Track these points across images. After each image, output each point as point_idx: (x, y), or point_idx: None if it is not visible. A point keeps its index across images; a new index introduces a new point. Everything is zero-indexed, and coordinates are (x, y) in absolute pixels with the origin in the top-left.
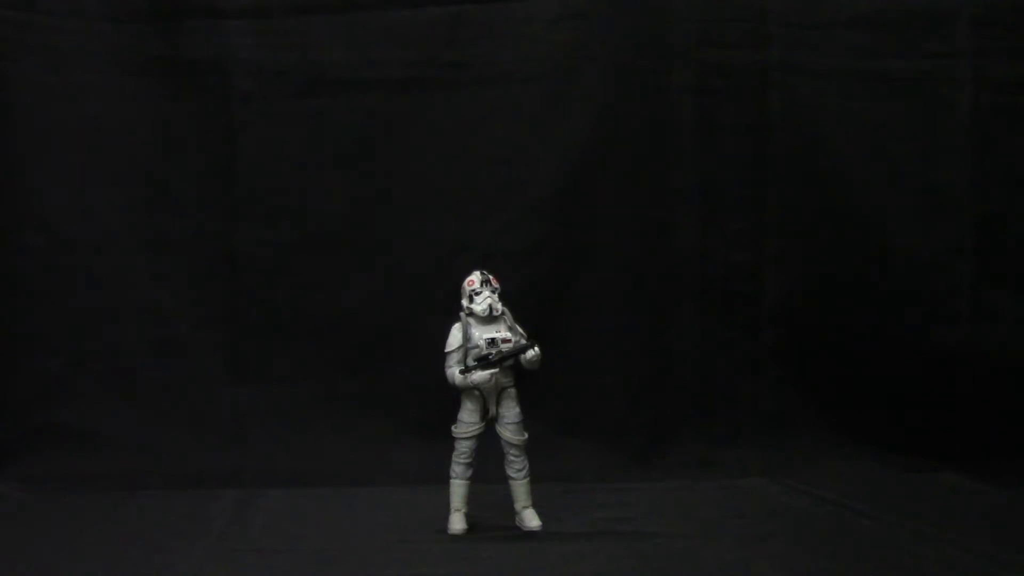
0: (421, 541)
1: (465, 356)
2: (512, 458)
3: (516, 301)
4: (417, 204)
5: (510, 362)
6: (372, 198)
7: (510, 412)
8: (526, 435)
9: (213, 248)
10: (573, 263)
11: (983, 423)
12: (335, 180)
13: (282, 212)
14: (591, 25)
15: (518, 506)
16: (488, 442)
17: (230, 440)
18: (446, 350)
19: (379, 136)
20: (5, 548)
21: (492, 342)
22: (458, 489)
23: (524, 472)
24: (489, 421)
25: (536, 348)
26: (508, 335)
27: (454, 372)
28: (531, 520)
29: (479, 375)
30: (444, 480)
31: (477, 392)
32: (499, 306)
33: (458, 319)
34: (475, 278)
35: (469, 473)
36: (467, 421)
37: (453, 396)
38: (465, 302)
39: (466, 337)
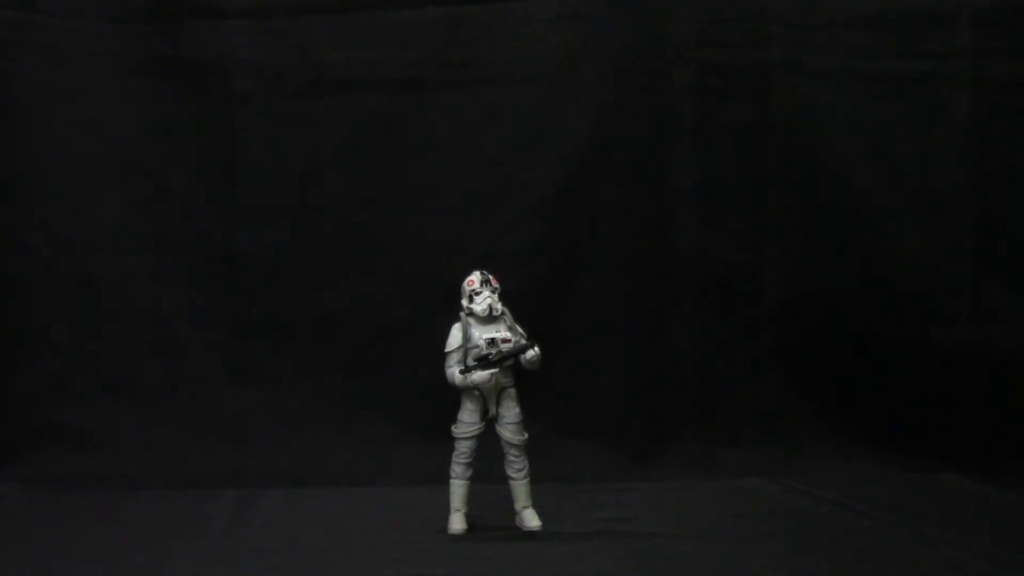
0: (421, 541)
1: (465, 356)
2: (512, 458)
3: (516, 301)
4: (417, 204)
5: (510, 362)
6: (372, 198)
7: (510, 412)
8: (526, 435)
9: (213, 248)
10: (573, 263)
11: (983, 423)
12: (335, 180)
13: (282, 212)
14: (591, 25)
15: (518, 506)
16: (488, 442)
17: (230, 440)
18: (446, 350)
19: (379, 136)
20: (5, 548)
21: (492, 342)
22: (458, 489)
23: (524, 472)
24: (489, 421)
25: (536, 348)
26: (508, 335)
27: (454, 372)
28: (531, 520)
29: (479, 375)
30: (444, 480)
31: (477, 392)
32: (499, 306)
33: (458, 319)
34: (475, 278)
35: (469, 473)
36: (467, 421)
37: (453, 396)
38: (465, 302)
39: (466, 337)
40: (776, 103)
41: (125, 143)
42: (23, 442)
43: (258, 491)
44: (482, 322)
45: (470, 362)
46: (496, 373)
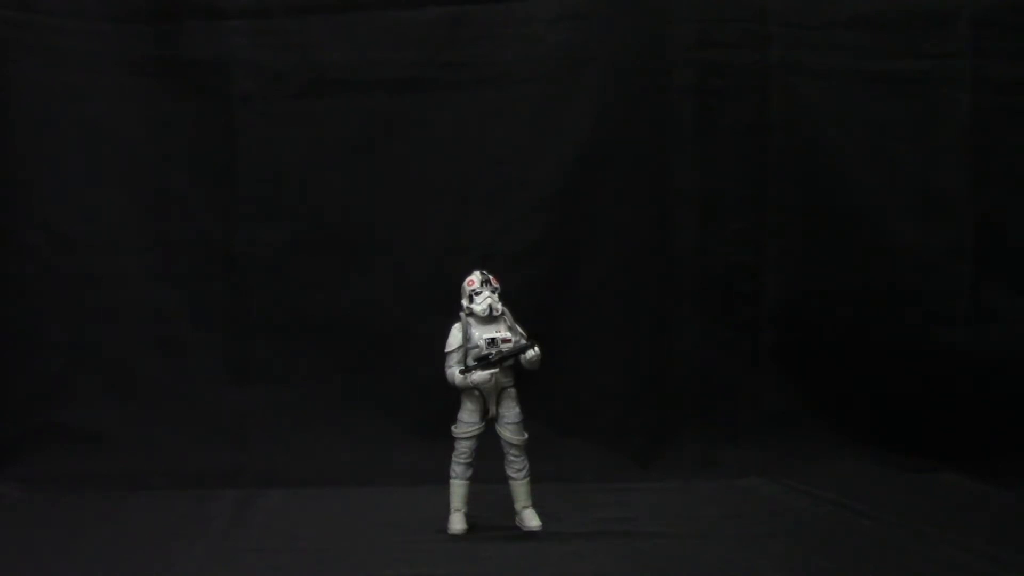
0: (421, 541)
1: (465, 356)
2: (512, 458)
3: (516, 301)
4: (417, 204)
5: (510, 362)
6: (372, 198)
7: (510, 412)
8: (526, 435)
9: (213, 248)
10: (573, 263)
11: (983, 423)
12: (335, 180)
13: (282, 212)
14: (591, 25)
15: (518, 506)
16: (488, 442)
17: (230, 440)
18: (446, 350)
19: (379, 136)
20: (5, 548)
21: (492, 342)
22: (458, 489)
23: (524, 472)
24: (489, 421)
25: (536, 348)
26: (508, 335)
27: (454, 372)
28: (531, 520)
29: (479, 375)
30: (444, 480)
31: (477, 392)
32: (499, 306)
33: (458, 319)
34: (475, 278)
35: (469, 473)
36: (467, 421)
37: (453, 396)
38: (465, 302)
39: (466, 337)
40: (776, 103)
41: (125, 143)
42: (23, 442)
43: (258, 491)
44: (482, 322)
45: (470, 362)
46: (496, 373)
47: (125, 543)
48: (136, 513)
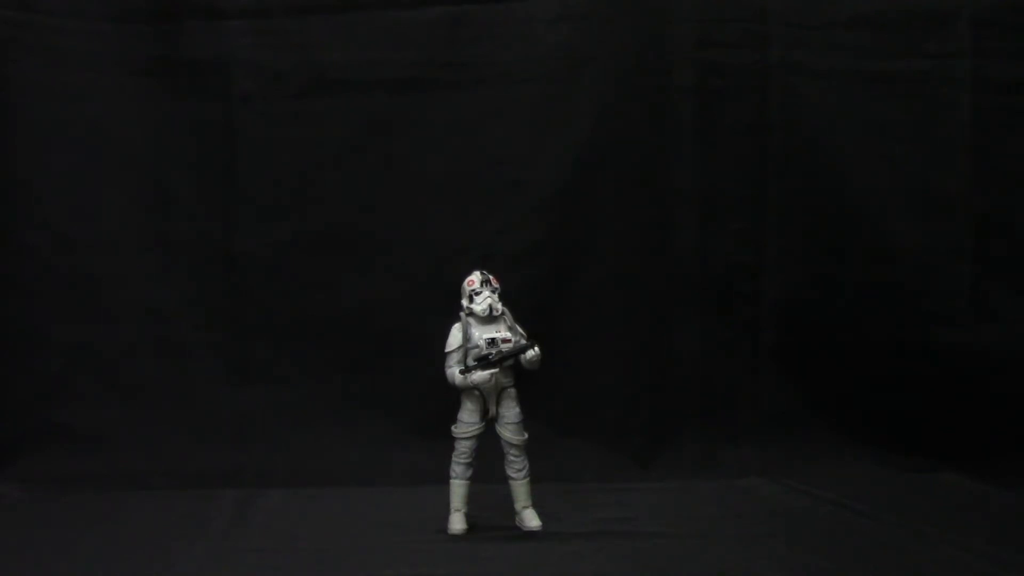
0: (421, 541)
1: (465, 356)
2: (512, 458)
3: (516, 301)
4: (417, 204)
5: (510, 362)
6: (372, 198)
7: (510, 412)
8: (526, 435)
9: (213, 248)
10: (573, 263)
11: (983, 423)
12: (335, 180)
13: (282, 212)
14: (591, 25)
15: (518, 506)
16: (488, 442)
17: (230, 440)
18: (446, 350)
19: (379, 136)
20: (5, 548)
21: (492, 342)
22: (458, 489)
23: (524, 472)
24: (489, 421)
25: (536, 348)
26: (508, 335)
27: (454, 372)
28: (531, 520)
29: (479, 375)
30: (444, 480)
31: (477, 392)
32: (499, 306)
33: (458, 319)
34: (475, 278)
35: (469, 473)
36: (467, 421)
37: (453, 396)
38: (465, 302)
39: (466, 337)
40: (776, 103)
41: (125, 143)
42: (23, 442)
43: (258, 491)
44: (482, 322)
45: (470, 362)
46: (496, 373)
47: (125, 543)
48: (136, 513)
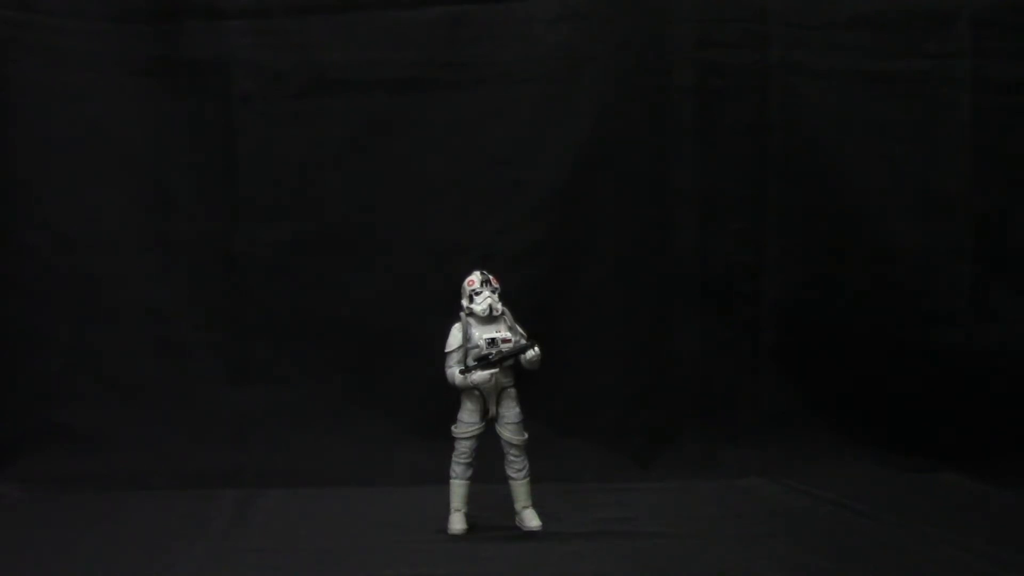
0: (421, 541)
1: (465, 356)
2: (512, 458)
3: (516, 301)
4: (417, 204)
5: (510, 362)
6: (372, 198)
7: (510, 412)
8: (526, 435)
9: (213, 248)
10: (573, 263)
11: (983, 423)
12: (335, 180)
13: (282, 212)
14: (591, 25)
15: (518, 506)
16: (488, 442)
17: (230, 440)
18: (446, 350)
19: (379, 136)
20: (5, 548)
21: (492, 342)
22: (458, 489)
23: (524, 472)
24: (489, 421)
25: (536, 348)
26: (508, 335)
27: (454, 372)
28: (531, 520)
29: (479, 375)
30: (444, 480)
31: (477, 392)
32: (499, 306)
33: (458, 319)
34: (475, 278)
35: (469, 473)
36: (467, 421)
37: (453, 396)
38: (465, 302)
39: (466, 337)
40: (776, 103)
41: (125, 143)
42: (23, 442)
43: (258, 491)
44: (482, 322)
45: (470, 362)
46: (496, 373)
47: (125, 543)
48: (136, 513)
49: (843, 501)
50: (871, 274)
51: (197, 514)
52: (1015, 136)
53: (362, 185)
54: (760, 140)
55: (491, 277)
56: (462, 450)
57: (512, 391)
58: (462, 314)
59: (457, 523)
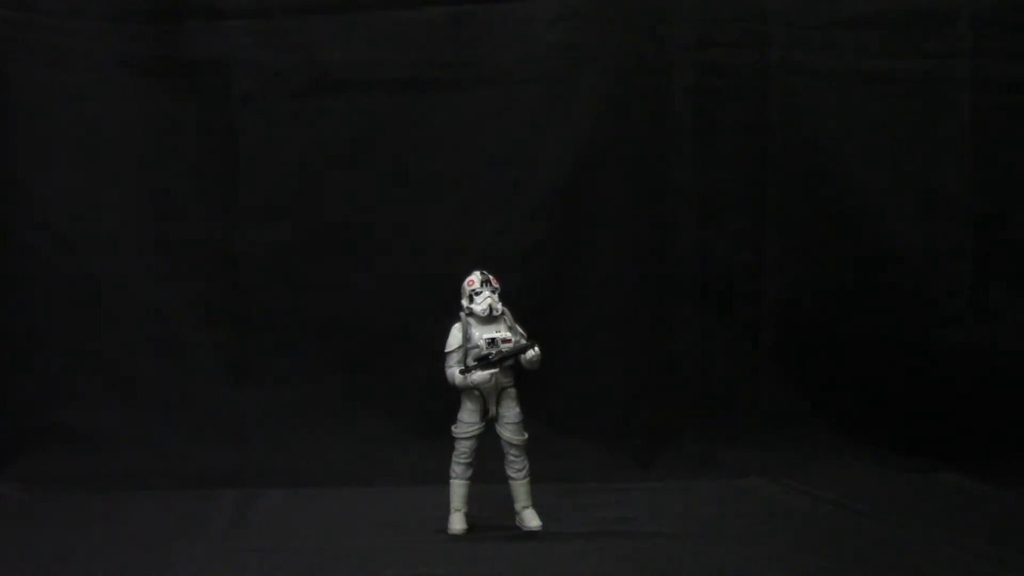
0: (421, 541)
1: (465, 356)
2: (512, 458)
3: (516, 301)
4: (417, 204)
5: (510, 362)
6: (372, 198)
7: (510, 412)
8: (526, 435)
9: (213, 248)
10: (573, 263)
11: (983, 423)
12: (335, 180)
13: (282, 212)
14: (591, 25)
15: (518, 506)
16: (488, 442)
17: (230, 440)
18: (446, 350)
19: (379, 136)
20: (5, 548)
21: (492, 342)
22: (458, 489)
23: (524, 472)
24: (489, 421)
25: (536, 348)
26: (508, 335)
27: (454, 372)
28: (531, 520)
29: (479, 375)
30: (444, 480)
31: (477, 392)
32: (499, 306)
33: (458, 319)
34: (475, 278)
35: (469, 473)
36: (467, 421)
37: (453, 396)
38: (465, 302)
39: (466, 337)
40: (776, 103)
41: (125, 143)
42: (23, 442)
43: (258, 491)
44: (482, 322)
45: (470, 362)
46: (496, 373)
47: (125, 543)
48: (136, 513)
49: (843, 501)
50: (871, 274)
51: (197, 514)
52: (1015, 136)
53: (362, 185)
54: (760, 140)
55: (491, 277)
56: (462, 450)
57: (512, 391)
58: (462, 314)
59: (457, 523)
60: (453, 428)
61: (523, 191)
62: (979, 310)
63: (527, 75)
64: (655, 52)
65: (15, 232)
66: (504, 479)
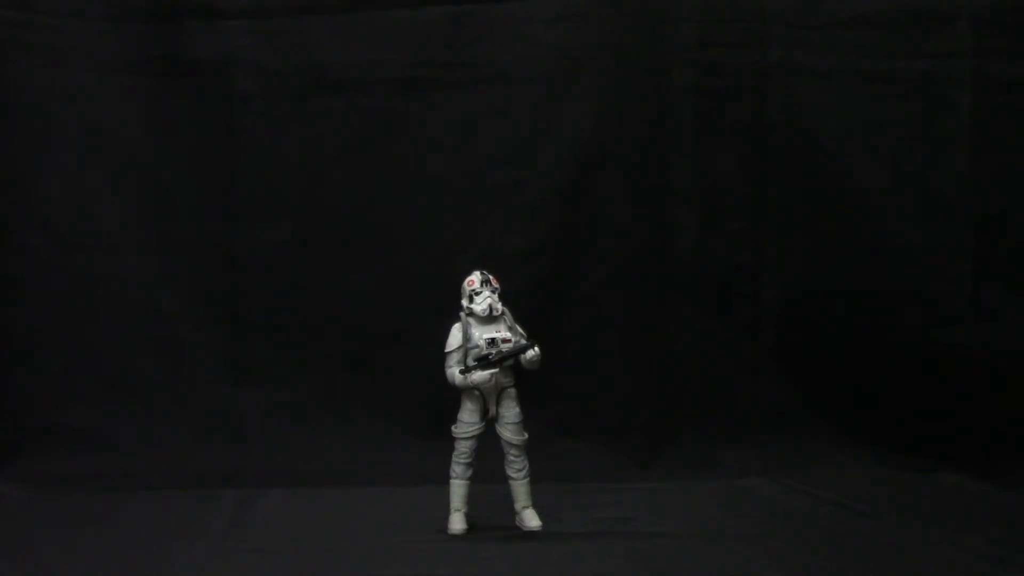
0: (421, 541)
1: (465, 356)
2: (512, 458)
3: (516, 301)
4: (417, 204)
5: (510, 362)
6: (372, 198)
7: (510, 412)
8: (526, 435)
9: (213, 248)
10: (573, 263)
11: (983, 423)
12: (335, 180)
13: (282, 212)
14: (591, 25)
15: (518, 506)
16: (488, 442)
17: (230, 440)
18: (446, 350)
19: (379, 136)
20: (5, 548)
21: (492, 342)
22: (458, 489)
23: (524, 472)
24: (489, 421)
25: (536, 348)
26: (508, 335)
27: (454, 372)
28: (531, 520)
29: (479, 375)
30: (444, 480)
31: (477, 392)
32: (499, 306)
33: (458, 319)
34: (475, 278)
35: (469, 473)
36: (467, 421)
37: (453, 396)
38: (465, 302)
39: (466, 337)
40: (776, 103)
41: (125, 143)
42: (23, 442)
43: (258, 491)
44: (482, 322)
45: (470, 362)
46: (496, 373)
47: (125, 543)
48: (136, 513)
49: (843, 501)
50: (871, 274)
51: (197, 514)
52: (1015, 136)
53: (362, 185)
54: (760, 140)
55: (491, 277)
56: (462, 450)
57: (512, 391)
58: (462, 314)
59: (457, 523)
60: (453, 428)
61: (523, 191)
62: (979, 310)
63: (527, 75)
64: (655, 52)
65: (15, 232)
66: (504, 479)
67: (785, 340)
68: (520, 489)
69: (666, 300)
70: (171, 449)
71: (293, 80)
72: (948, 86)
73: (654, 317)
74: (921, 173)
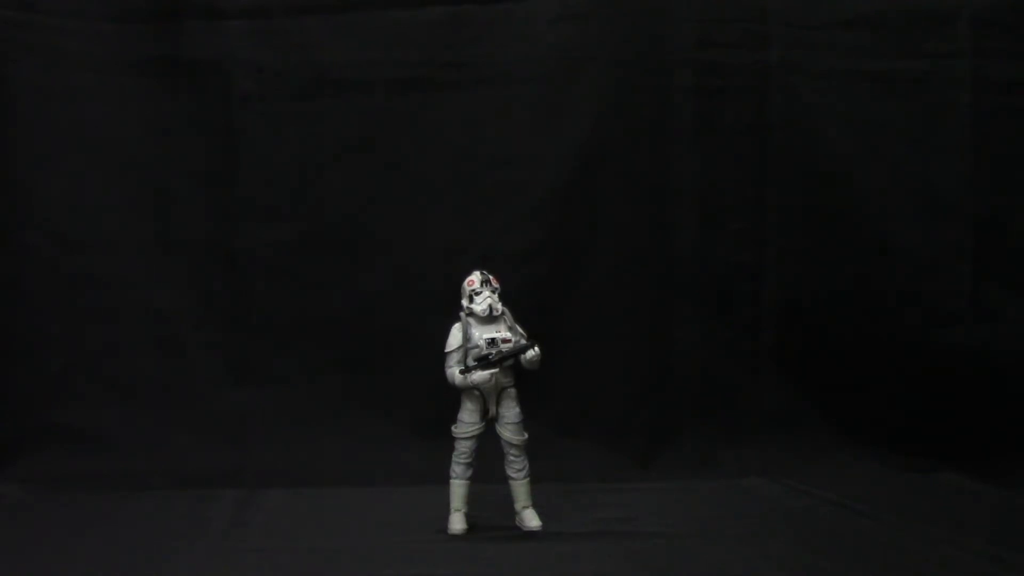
0: (421, 541)
1: (465, 356)
2: (512, 458)
3: (516, 301)
4: (417, 204)
5: (510, 362)
6: (372, 198)
7: (510, 412)
8: (526, 435)
9: (213, 248)
10: (573, 263)
11: (983, 423)
12: (335, 180)
13: (282, 212)
14: (591, 25)
15: (518, 506)
16: (488, 442)
17: (230, 440)
18: (446, 350)
19: (379, 136)
20: (5, 548)
21: (492, 342)
22: (458, 489)
23: (524, 472)
24: (489, 421)
25: (536, 348)
26: (508, 335)
27: (454, 372)
28: (531, 520)
29: (479, 375)
30: (444, 480)
31: (477, 392)
32: (499, 306)
33: (458, 319)
34: (475, 278)
35: (469, 473)
36: (467, 421)
37: (453, 396)
38: (465, 302)
39: (466, 337)
40: (776, 103)
41: (125, 143)
42: (23, 442)
43: (258, 491)
44: (482, 322)
45: (470, 362)
46: (496, 373)
47: (125, 543)
48: (136, 513)
49: (843, 501)
50: (871, 274)
51: (197, 514)
52: (1015, 136)
53: (362, 185)
54: (760, 140)
55: (491, 277)
56: (462, 450)
57: (512, 391)
58: (462, 314)
59: (457, 523)
60: (453, 428)
61: (523, 191)
62: (979, 310)
63: (527, 75)
64: (655, 52)
65: (15, 232)
66: (504, 479)
67: (785, 340)
68: (520, 489)
69: (666, 300)
70: (171, 449)
71: (293, 80)
72: (948, 86)
73: (654, 317)
74: (921, 173)
